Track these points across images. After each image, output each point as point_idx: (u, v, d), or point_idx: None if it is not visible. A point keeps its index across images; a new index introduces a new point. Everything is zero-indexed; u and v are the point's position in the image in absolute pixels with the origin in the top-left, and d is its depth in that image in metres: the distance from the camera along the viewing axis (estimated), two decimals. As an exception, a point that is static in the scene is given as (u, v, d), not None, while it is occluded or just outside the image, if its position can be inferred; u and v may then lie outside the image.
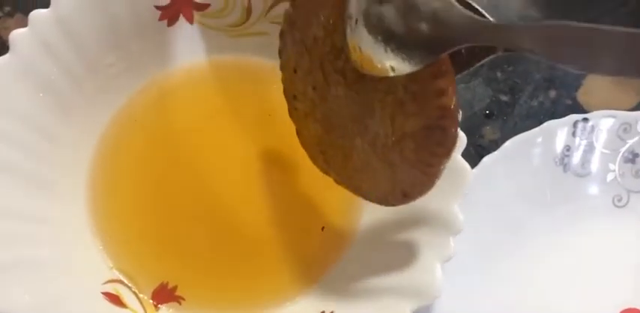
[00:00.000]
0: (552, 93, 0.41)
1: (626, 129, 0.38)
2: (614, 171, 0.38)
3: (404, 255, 0.30)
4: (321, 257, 0.34)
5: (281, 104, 0.30)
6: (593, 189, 0.38)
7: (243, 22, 0.34)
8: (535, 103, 0.41)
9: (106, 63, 0.33)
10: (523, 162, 0.37)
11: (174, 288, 0.32)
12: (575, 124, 0.37)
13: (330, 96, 0.27)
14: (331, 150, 0.29)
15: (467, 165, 0.30)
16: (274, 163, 0.35)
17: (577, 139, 0.38)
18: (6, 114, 0.30)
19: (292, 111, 0.30)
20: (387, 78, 0.24)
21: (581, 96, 0.42)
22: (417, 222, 0.31)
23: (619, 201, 0.38)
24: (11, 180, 0.30)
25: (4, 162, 0.30)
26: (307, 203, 0.34)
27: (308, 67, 0.28)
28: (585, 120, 0.37)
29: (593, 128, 0.38)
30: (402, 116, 0.25)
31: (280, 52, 0.29)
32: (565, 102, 0.41)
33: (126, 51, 0.33)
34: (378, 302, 0.30)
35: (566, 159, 0.38)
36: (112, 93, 0.34)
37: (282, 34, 0.29)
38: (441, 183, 0.30)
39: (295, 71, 0.29)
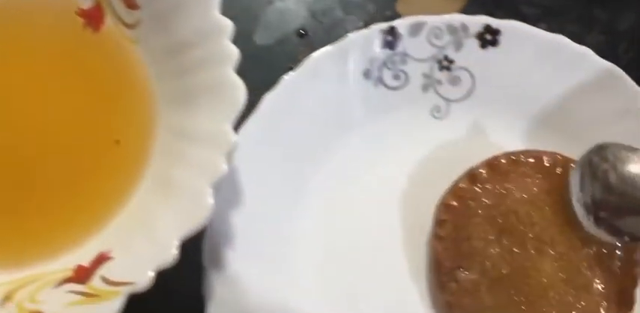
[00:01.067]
0: (370, 7, 0.39)
1: (437, 34, 0.36)
2: (429, 80, 0.36)
3: (178, 181, 0.28)
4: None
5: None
6: (409, 101, 0.36)
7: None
8: (352, 19, 0.38)
9: None
10: (328, 79, 0.34)
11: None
12: (382, 34, 0.35)
13: (528, 265, 0.32)
14: None
15: (240, 82, 0.28)
16: (66, 99, 0.32)
17: (386, 50, 0.35)
18: None
19: (447, 283, 0.32)
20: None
21: (400, 6, 0.39)
22: (188, 141, 0.28)
23: (438, 112, 0.36)
24: None
25: None
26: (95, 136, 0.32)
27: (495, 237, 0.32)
28: (392, 28, 0.35)
29: (401, 36, 0.35)
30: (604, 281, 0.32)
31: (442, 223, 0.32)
32: (384, 15, 0.39)
33: None
34: (151, 235, 0.27)
35: (375, 72, 0.35)
36: None
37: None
38: (214, 102, 0.29)
39: (469, 239, 0.32)
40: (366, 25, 0.36)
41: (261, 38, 0.39)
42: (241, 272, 0.31)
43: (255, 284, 0.31)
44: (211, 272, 0.30)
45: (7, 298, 0.28)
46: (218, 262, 0.31)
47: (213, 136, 0.28)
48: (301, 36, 0.39)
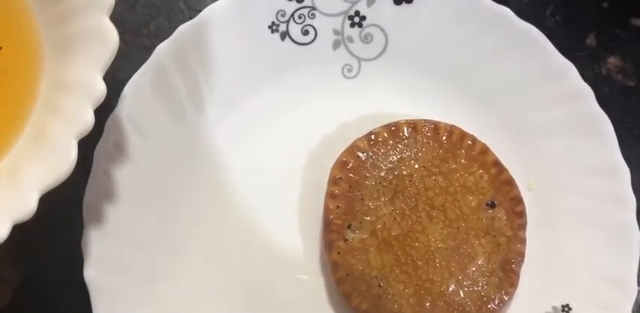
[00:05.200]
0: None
1: (348, -12, 0.34)
2: (340, 37, 0.35)
3: (49, 132, 0.27)
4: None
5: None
6: (318, 59, 0.35)
7: None
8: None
9: None
10: (229, 32, 0.33)
11: None
12: (287, -15, 0.33)
13: (418, 229, 0.31)
14: (396, 282, 0.30)
15: (113, 29, 0.27)
16: None
17: (292, 2, 0.34)
18: None
19: (335, 242, 0.31)
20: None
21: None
22: (62, 91, 0.27)
23: (349, 71, 0.35)
24: None
25: None
26: None
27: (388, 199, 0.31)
28: (300, -20, 0.34)
29: (310, -11, 0.34)
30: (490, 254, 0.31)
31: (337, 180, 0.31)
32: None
33: None
34: (15, 187, 0.27)
35: (282, 26, 0.34)
36: None
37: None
38: (86, 50, 0.27)
39: (362, 199, 0.31)
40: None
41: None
42: (122, 230, 0.30)
43: (138, 240, 0.31)
44: (90, 229, 0.30)
45: None
46: (98, 218, 0.30)
47: (83, 85, 0.27)
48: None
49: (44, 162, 0.26)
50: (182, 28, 0.32)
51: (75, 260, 0.30)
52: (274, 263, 0.32)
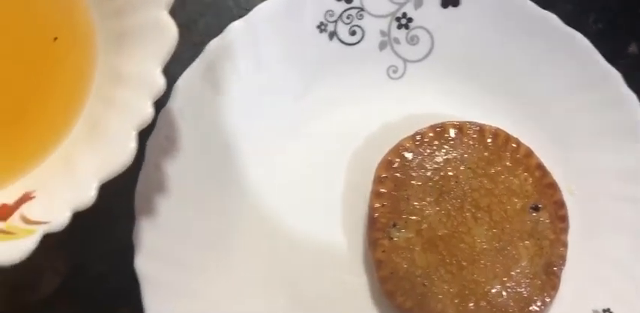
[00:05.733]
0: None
1: (397, -10, 0.34)
2: (387, 38, 0.35)
3: (106, 124, 0.28)
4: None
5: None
6: (364, 59, 0.35)
7: None
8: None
9: None
10: (278, 31, 0.33)
11: None
12: (338, -14, 0.34)
13: (463, 230, 0.31)
14: (440, 281, 0.31)
15: (171, 23, 0.27)
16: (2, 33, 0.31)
17: (342, 3, 0.34)
18: None
19: (380, 240, 0.31)
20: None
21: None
22: (119, 83, 0.28)
23: (394, 72, 0.35)
24: None
25: None
26: (34, 75, 0.31)
27: (434, 200, 0.31)
28: (350, -20, 0.34)
29: (360, -10, 0.34)
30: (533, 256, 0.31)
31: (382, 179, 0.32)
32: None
33: None
34: (73, 176, 0.27)
35: (330, 26, 0.34)
36: None
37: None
38: (145, 44, 0.28)
39: (408, 199, 0.31)
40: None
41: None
42: (172, 222, 0.31)
43: (188, 233, 0.31)
44: (142, 220, 0.30)
45: None
46: (149, 210, 0.30)
47: (142, 78, 0.27)
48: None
49: (102, 152, 0.27)
50: (233, 26, 0.32)
51: (123, 250, 0.31)
52: (318, 260, 0.33)
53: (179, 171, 0.31)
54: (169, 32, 0.27)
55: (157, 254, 0.30)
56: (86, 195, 0.25)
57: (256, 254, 0.32)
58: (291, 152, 0.34)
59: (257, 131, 0.34)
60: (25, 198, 0.28)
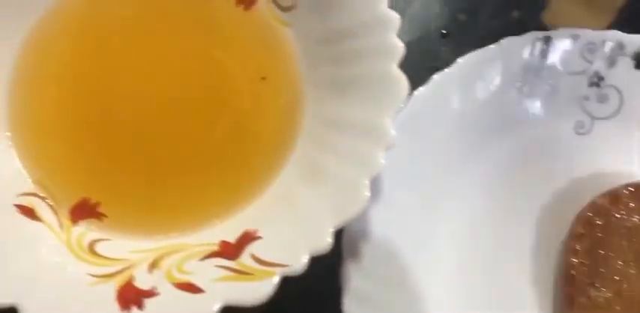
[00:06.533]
0: (515, 14, 0.38)
1: (591, 49, 0.35)
2: (577, 95, 0.36)
3: (329, 170, 0.29)
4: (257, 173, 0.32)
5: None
6: (553, 114, 0.35)
7: None
8: (495, 24, 0.38)
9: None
10: (476, 82, 0.34)
11: (97, 204, 0.31)
12: (535, 42, 0.35)
13: None
14: None
15: (403, 77, 0.28)
16: (209, 71, 0.32)
17: (537, 59, 0.35)
18: None
19: (577, 298, 0.31)
20: None
21: (547, 17, 0.39)
22: (341, 131, 0.29)
23: (581, 127, 0.36)
24: None
25: None
26: (242, 113, 0.32)
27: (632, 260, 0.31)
28: (547, 38, 0.35)
29: (556, 47, 0.35)
30: None
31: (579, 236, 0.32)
32: (528, 24, 0.38)
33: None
34: (301, 220, 0.28)
35: (522, 81, 0.35)
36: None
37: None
38: (374, 94, 0.29)
39: (606, 258, 0.32)
40: (508, 31, 0.35)
41: (402, 35, 0.39)
42: (378, 263, 0.31)
43: (392, 276, 0.32)
44: (349, 263, 0.31)
45: (154, 265, 0.29)
46: (355, 253, 0.31)
47: (371, 129, 0.28)
48: (443, 36, 0.39)
49: (331, 198, 0.28)
50: (437, 77, 0.34)
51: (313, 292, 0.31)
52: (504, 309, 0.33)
53: (382, 214, 0.32)
54: (401, 85, 0.28)
55: (363, 297, 0.31)
56: (323, 240, 0.26)
57: (450, 302, 0.33)
58: (481, 204, 0.34)
59: (450, 181, 0.34)
60: (249, 236, 0.29)
